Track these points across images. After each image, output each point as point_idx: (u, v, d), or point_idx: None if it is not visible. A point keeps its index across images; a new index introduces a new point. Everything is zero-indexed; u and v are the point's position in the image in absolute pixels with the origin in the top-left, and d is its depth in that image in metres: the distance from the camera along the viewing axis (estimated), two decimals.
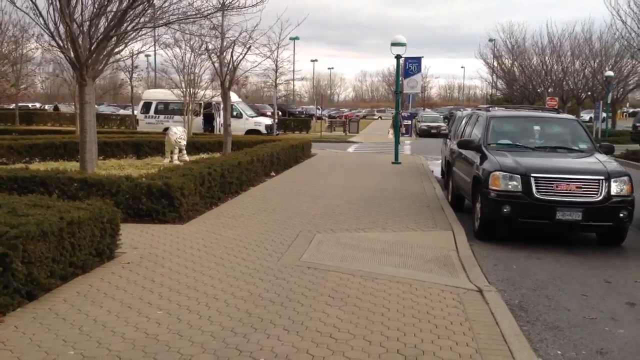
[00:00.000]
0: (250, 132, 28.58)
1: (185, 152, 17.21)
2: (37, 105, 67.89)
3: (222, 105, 19.10)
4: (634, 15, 24.61)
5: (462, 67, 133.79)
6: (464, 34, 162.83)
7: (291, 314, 5.22)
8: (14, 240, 4.97)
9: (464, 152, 11.11)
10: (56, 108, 55.17)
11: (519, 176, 8.73)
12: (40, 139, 18.81)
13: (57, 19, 9.85)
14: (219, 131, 26.73)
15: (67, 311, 5.12)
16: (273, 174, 15.41)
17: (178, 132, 16.82)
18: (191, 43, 21.91)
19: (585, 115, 52.12)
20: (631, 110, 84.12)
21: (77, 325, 4.82)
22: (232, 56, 16.53)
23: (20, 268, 5.02)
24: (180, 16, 11.45)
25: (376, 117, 79.92)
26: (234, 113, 26.83)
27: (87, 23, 10.07)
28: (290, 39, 38.78)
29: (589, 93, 46.57)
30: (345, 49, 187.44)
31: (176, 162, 15.75)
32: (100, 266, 6.46)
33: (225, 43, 16.34)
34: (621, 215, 8.61)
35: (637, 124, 31.62)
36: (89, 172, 9.94)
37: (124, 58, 19.68)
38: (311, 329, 4.88)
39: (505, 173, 8.86)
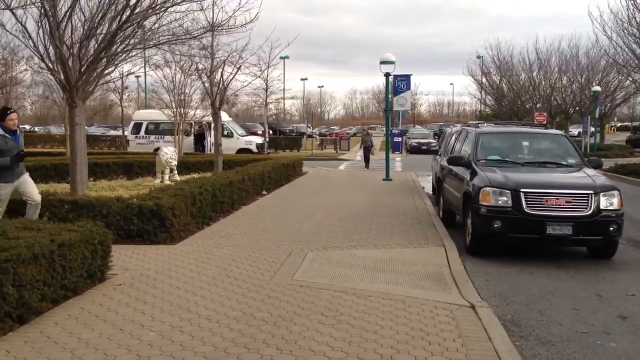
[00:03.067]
0: (241, 151, 28.62)
1: (176, 172, 17.19)
2: (27, 127, 67.72)
3: (212, 125, 19.13)
4: (619, 31, 24.93)
5: (451, 84, 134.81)
6: (455, 51, 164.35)
7: (284, 333, 5.21)
8: (5, 263, 4.94)
9: (454, 168, 11.18)
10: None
11: (508, 191, 8.79)
12: (30, 161, 18.66)
13: (46, 42, 9.88)
14: (210, 151, 26.75)
15: (59, 334, 5.09)
16: (264, 192, 15.41)
17: (169, 152, 16.81)
18: (181, 63, 21.99)
19: (574, 130, 52.54)
20: (619, 124, 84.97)
21: (68, 348, 4.79)
22: (222, 76, 16.63)
23: (11, 291, 4.99)
24: (169, 37, 11.51)
25: None
26: (225, 132, 26.90)
27: (77, 45, 10.09)
28: (280, 58, 39.07)
29: (577, 108, 47.01)
30: (336, 67, 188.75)
31: (167, 182, 15.73)
32: (91, 288, 6.42)
33: (215, 63, 16.43)
34: (611, 229, 8.67)
35: None
36: (80, 194, 9.91)
37: (114, 79, 19.68)
38: (304, 348, 4.87)
39: (495, 188, 8.91)
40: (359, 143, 29.78)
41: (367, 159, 27.67)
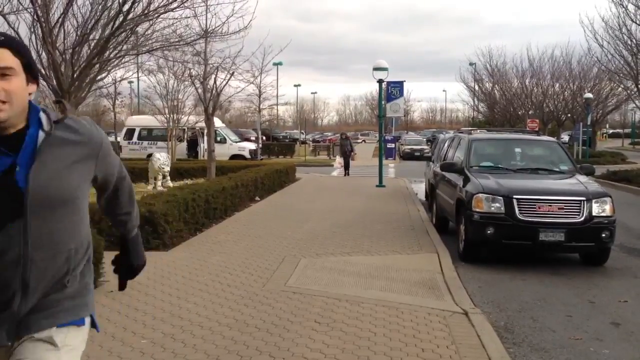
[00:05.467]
0: (234, 157, 28.62)
1: (169, 178, 17.15)
2: None
3: (205, 131, 19.11)
4: (610, 38, 25.13)
5: (443, 91, 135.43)
6: (449, 58, 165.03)
7: (277, 340, 5.18)
8: None
9: (446, 174, 11.20)
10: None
11: (501, 198, 8.80)
12: None
13: (39, 47, 9.86)
14: (203, 157, 26.72)
15: None
16: (257, 198, 15.38)
17: (161, 158, 16.78)
18: (174, 69, 22.00)
19: (566, 137, 52.79)
20: (611, 131, 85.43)
21: None
22: (215, 82, 16.61)
23: None
24: (163, 43, 11.51)
25: (360, 141, 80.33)
26: (218, 138, 26.88)
27: (70, 51, 10.07)
28: (274, 64, 39.05)
29: (569, 115, 47.25)
30: (331, 73, 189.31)
31: (160, 188, 15.69)
32: None
33: (208, 69, 16.41)
34: (603, 235, 8.69)
35: None
36: None
37: (107, 85, 19.64)
38: (297, 355, 4.84)
39: (488, 195, 8.93)
40: (339, 149, 26.25)
41: (346, 166, 25.76)
